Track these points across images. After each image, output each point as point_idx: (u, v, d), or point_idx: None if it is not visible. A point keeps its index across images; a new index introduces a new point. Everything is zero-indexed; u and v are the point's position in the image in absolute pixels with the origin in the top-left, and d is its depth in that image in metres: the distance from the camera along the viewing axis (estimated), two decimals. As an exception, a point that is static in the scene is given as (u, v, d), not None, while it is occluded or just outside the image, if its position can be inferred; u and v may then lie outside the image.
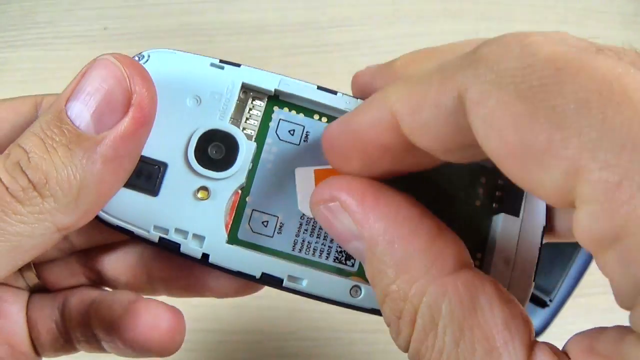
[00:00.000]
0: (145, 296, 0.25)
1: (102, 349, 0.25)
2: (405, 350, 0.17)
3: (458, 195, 0.23)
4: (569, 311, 0.42)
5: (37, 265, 0.25)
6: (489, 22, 0.50)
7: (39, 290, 0.26)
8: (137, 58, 0.22)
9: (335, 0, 0.50)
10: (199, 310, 0.39)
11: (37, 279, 0.25)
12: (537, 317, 0.42)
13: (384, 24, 0.50)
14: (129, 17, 0.50)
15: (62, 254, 0.25)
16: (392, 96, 0.17)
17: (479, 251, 0.22)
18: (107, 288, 0.26)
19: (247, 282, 0.22)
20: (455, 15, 0.50)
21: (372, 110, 0.18)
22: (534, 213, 0.22)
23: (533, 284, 0.21)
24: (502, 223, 0.22)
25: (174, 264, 0.24)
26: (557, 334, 0.41)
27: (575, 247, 0.42)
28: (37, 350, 0.25)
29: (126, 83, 0.19)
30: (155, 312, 0.24)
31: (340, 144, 0.19)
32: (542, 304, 0.41)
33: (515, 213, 0.22)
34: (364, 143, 0.18)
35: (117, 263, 0.25)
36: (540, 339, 0.16)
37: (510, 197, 0.22)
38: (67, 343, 0.25)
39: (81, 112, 0.19)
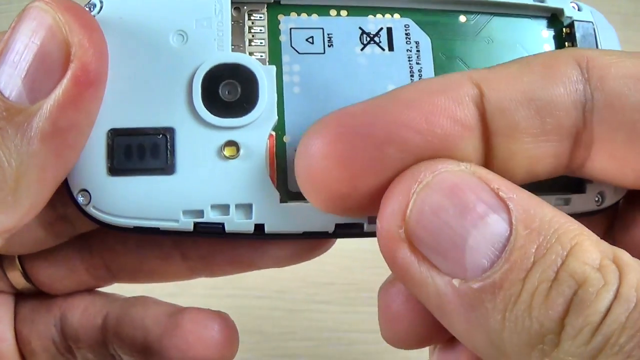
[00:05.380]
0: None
1: None
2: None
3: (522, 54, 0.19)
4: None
5: (23, 259, 0.20)
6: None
7: (28, 293, 0.21)
8: (86, 8, 0.18)
9: None
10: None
11: (25, 281, 0.21)
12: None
13: None
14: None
15: (58, 240, 0.20)
16: None
17: None
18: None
19: (315, 240, 0.19)
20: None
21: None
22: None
23: None
24: None
25: None
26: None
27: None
28: None
29: (62, 34, 0.15)
30: (202, 322, 0.20)
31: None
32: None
33: None
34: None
35: (134, 248, 0.20)
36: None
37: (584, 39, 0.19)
38: None
39: (10, 78, 0.15)
